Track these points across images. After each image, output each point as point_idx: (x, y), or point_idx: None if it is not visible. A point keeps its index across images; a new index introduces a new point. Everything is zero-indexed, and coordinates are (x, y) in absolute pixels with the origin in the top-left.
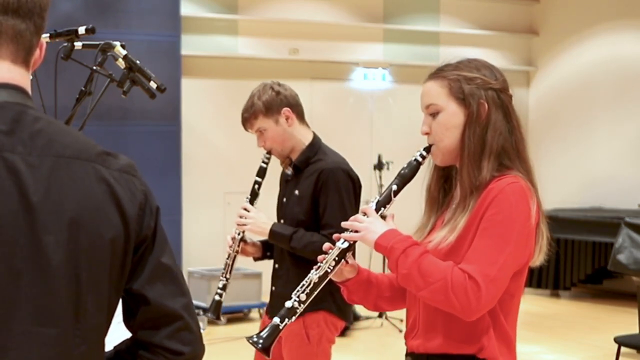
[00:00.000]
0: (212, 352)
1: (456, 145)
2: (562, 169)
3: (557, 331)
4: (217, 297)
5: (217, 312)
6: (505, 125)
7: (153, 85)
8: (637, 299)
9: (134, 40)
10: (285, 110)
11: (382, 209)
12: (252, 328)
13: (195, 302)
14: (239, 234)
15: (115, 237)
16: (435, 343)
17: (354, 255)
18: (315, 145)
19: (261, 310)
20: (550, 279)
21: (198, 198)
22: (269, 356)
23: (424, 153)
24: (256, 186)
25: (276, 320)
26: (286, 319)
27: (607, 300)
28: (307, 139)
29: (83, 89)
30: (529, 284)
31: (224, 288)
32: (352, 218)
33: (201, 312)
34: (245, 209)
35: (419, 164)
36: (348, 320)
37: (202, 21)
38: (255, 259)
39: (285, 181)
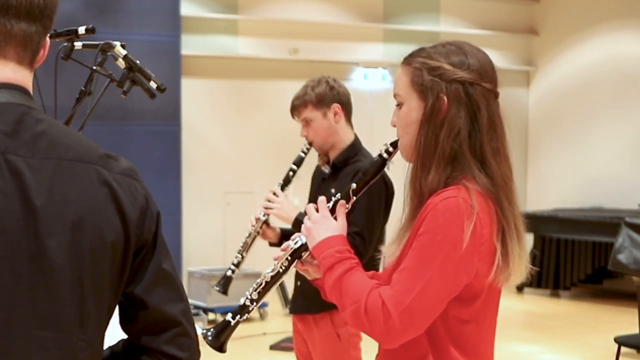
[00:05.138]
0: (212, 352)
1: (413, 144)
2: (562, 169)
3: (557, 331)
4: (229, 273)
5: (226, 287)
6: (466, 125)
7: (153, 85)
8: (637, 299)
9: (134, 40)
10: (335, 105)
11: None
12: (252, 328)
13: (195, 302)
14: (263, 216)
15: (116, 241)
16: None
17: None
18: (356, 146)
19: (261, 310)
20: (550, 279)
21: (198, 198)
22: (222, 352)
23: (390, 149)
24: (290, 173)
25: (229, 316)
26: (238, 316)
27: (607, 300)
28: (349, 139)
29: (83, 89)
30: (529, 284)
31: (237, 265)
32: (306, 207)
33: (201, 312)
34: (274, 193)
35: (383, 160)
36: None
37: (202, 21)
38: (271, 244)
39: (320, 180)
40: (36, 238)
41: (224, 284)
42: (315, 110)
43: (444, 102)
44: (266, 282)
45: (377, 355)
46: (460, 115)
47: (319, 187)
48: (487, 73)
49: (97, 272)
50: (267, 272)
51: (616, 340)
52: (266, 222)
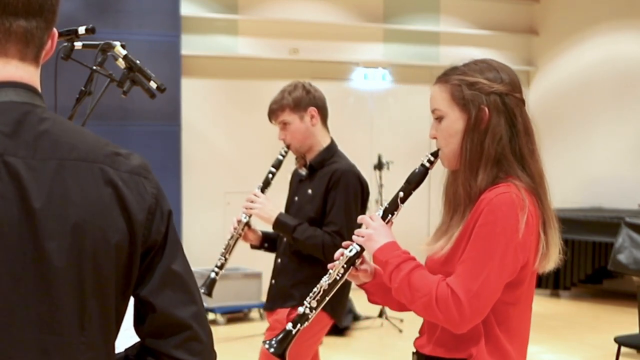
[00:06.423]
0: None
1: (458, 152)
2: (562, 169)
3: (557, 331)
4: (212, 275)
5: (210, 289)
6: (506, 131)
7: (153, 85)
8: (637, 299)
9: (134, 40)
10: (312, 109)
11: (390, 215)
12: (252, 328)
13: None
14: (245, 218)
15: (121, 242)
16: (431, 345)
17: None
18: (332, 148)
19: (261, 310)
20: (550, 279)
21: (198, 198)
22: (284, 359)
23: (432, 158)
24: (270, 175)
25: (289, 325)
26: (299, 325)
27: (607, 300)
28: (325, 142)
29: (83, 89)
30: None
31: (221, 267)
32: (360, 218)
33: None
34: (255, 195)
35: (426, 169)
36: (339, 319)
37: (202, 21)
38: (252, 247)
39: (298, 181)
40: (35, 241)
41: (209, 286)
42: (293, 114)
43: (486, 113)
44: (324, 290)
45: (417, 339)
46: (501, 123)
47: (297, 188)
48: (516, 84)
49: (100, 274)
50: (324, 280)
51: (616, 340)
52: (248, 224)
